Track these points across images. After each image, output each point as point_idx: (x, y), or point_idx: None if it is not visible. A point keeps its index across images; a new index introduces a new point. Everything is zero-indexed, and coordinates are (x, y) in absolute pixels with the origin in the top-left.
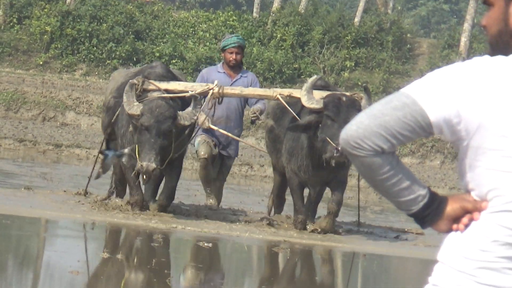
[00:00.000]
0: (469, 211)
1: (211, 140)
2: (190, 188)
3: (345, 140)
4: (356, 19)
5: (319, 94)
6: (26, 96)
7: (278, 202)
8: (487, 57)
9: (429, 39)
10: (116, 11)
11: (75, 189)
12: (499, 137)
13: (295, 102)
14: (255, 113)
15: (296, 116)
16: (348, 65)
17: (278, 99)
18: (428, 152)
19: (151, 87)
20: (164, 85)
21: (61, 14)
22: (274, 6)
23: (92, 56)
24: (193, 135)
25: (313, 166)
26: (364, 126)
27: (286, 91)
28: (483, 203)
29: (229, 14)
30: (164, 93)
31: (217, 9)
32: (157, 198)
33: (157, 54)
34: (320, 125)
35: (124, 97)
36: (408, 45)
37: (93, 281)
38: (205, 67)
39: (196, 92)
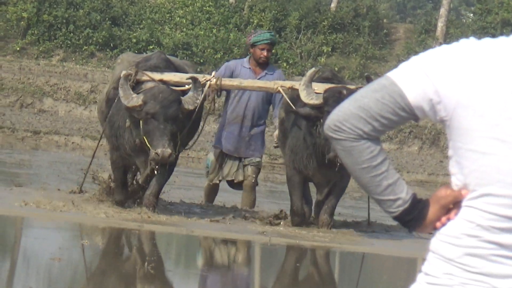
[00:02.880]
0: (450, 207)
1: (224, 161)
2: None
3: (327, 124)
4: (333, 5)
5: (322, 87)
6: (4, 83)
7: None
8: (473, 39)
9: (406, 24)
10: None
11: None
12: (477, 117)
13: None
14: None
15: (297, 110)
16: (325, 51)
17: (279, 91)
18: (406, 138)
19: (144, 77)
20: (158, 75)
21: (38, 0)
22: None
23: (69, 42)
24: (200, 128)
25: (317, 164)
26: (344, 109)
27: (288, 83)
28: (462, 191)
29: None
30: (159, 84)
31: None
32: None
33: (134, 40)
34: (321, 121)
35: (120, 91)
36: (385, 30)
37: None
38: (183, 53)
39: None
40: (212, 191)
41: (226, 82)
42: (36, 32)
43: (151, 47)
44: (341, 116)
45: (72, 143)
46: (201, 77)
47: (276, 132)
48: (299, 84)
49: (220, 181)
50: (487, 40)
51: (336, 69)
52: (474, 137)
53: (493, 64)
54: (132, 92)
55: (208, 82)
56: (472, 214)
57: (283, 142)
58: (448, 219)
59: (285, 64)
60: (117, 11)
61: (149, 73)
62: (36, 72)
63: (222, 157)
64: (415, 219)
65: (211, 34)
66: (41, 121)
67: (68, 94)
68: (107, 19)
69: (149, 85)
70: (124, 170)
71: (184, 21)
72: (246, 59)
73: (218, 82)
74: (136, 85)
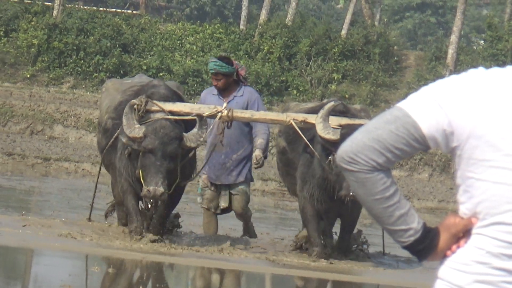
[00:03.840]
0: (460, 235)
1: (213, 189)
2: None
3: (340, 156)
4: (343, 32)
5: (336, 121)
6: (14, 110)
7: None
8: (481, 69)
9: (416, 51)
10: (103, 24)
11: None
12: (488, 147)
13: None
14: (258, 162)
15: (309, 144)
16: (335, 78)
17: (291, 124)
18: (416, 165)
19: (154, 107)
20: (169, 106)
21: (48, 27)
22: (261, 18)
23: (79, 69)
24: (206, 159)
25: (328, 197)
26: (357, 141)
27: (301, 116)
28: (471, 219)
29: (216, 26)
30: (168, 115)
31: (203, 21)
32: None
33: (144, 67)
34: (334, 156)
35: (124, 120)
36: (395, 58)
37: None
38: (193, 80)
39: (204, 114)
40: (211, 221)
41: (238, 114)
42: (46, 59)
43: (161, 74)
44: (355, 148)
45: (82, 169)
46: (212, 108)
47: (257, 152)
48: (315, 117)
49: (216, 212)
50: (495, 70)
51: (347, 96)
52: (486, 167)
53: (503, 94)
54: (135, 122)
55: (220, 114)
56: (482, 242)
57: (285, 171)
58: (458, 247)
59: (295, 91)
60: (128, 38)
61: (159, 103)
62: (47, 99)
63: (210, 185)
64: (427, 248)
65: None
66: (51, 148)
67: (78, 121)
68: (117, 46)
69: (157, 116)
70: (135, 196)
71: (195, 48)
72: (213, 86)
73: (229, 114)
74: (146, 114)
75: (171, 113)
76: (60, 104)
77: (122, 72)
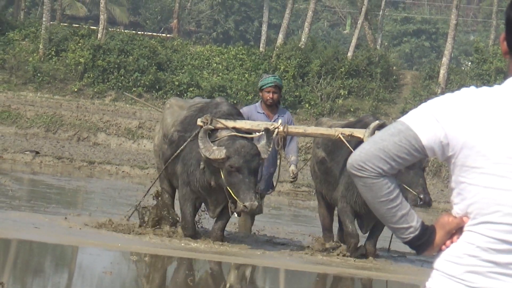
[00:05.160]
0: (453, 232)
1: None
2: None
3: (350, 164)
4: (349, 54)
5: None
6: (63, 119)
7: (328, 235)
8: (472, 88)
9: (412, 71)
10: (141, 45)
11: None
12: (479, 156)
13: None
14: (294, 176)
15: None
16: (342, 93)
17: (339, 138)
18: None
19: (219, 125)
20: (231, 123)
21: (93, 48)
22: (278, 42)
23: (120, 84)
24: (277, 171)
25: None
26: (366, 151)
27: (348, 131)
28: (463, 218)
29: (239, 48)
30: (233, 131)
31: (228, 44)
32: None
33: (176, 83)
34: None
35: (200, 144)
36: (394, 76)
37: None
38: (219, 94)
39: (263, 130)
40: (247, 221)
41: (292, 129)
42: (91, 76)
43: (191, 89)
44: (364, 157)
45: (122, 171)
46: (270, 125)
47: (293, 168)
48: (361, 131)
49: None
50: (485, 88)
51: (352, 110)
52: (477, 174)
53: (492, 110)
54: (212, 145)
55: (277, 130)
56: (473, 238)
57: (323, 178)
58: (452, 242)
59: (307, 105)
60: (162, 57)
61: (223, 121)
62: (91, 110)
63: None
64: (424, 243)
65: (243, 78)
66: (96, 153)
67: (119, 130)
68: (153, 64)
69: (224, 133)
70: (194, 204)
71: (220, 67)
72: (258, 104)
73: (285, 130)
74: (212, 132)
75: (235, 129)
76: (103, 115)
77: (157, 87)
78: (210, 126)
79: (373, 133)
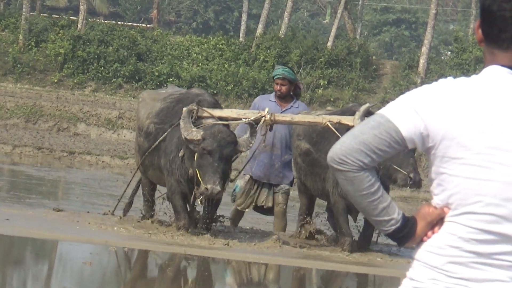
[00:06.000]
0: (434, 223)
1: (253, 187)
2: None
3: (331, 158)
4: (329, 43)
5: None
6: (43, 110)
7: (302, 218)
8: (450, 78)
9: (392, 61)
10: (120, 35)
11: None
12: (460, 147)
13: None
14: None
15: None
16: (321, 83)
17: (327, 126)
18: None
19: (205, 114)
20: (218, 112)
21: (73, 38)
22: (257, 31)
23: (100, 75)
24: (248, 158)
25: None
26: (346, 145)
27: (336, 118)
28: (444, 209)
29: (218, 38)
30: (218, 121)
31: (208, 34)
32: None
33: (156, 74)
34: None
35: (181, 123)
36: (374, 66)
37: None
38: (198, 85)
39: (249, 119)
40: (238, 216)
41: (279, 117)
42: (71, 66)
43: (170, 79)
44: (344, 151)
45: (102, 162)
46: (256, 113)
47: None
48: (349, 118)
49: (247, 209)
50: (462, 79)
51: (331, 99)
52: (458, 164)
53: (471, 100)
54: (192, 126)
55: (263, 118)
56: (455, 228)
57: (309, 171)
58: (433, 233)
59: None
60: (142, 48)
61: (209, 110)
62: (71, 101)
63: (251, 184)
64: (406, 235)
65: (223, 69)
66: (75, 143)
67: (99, 120)
68: (133, 55)
69: (209, 121)
70: (183, 195)
71: (200, 57)
72: (273, 93)
73: (271, 118)
74: (196, 121)
75: (219, 118)
76: (83, 105)
77: (137, 78)
78: (194, 107)
79: (363, 115)
